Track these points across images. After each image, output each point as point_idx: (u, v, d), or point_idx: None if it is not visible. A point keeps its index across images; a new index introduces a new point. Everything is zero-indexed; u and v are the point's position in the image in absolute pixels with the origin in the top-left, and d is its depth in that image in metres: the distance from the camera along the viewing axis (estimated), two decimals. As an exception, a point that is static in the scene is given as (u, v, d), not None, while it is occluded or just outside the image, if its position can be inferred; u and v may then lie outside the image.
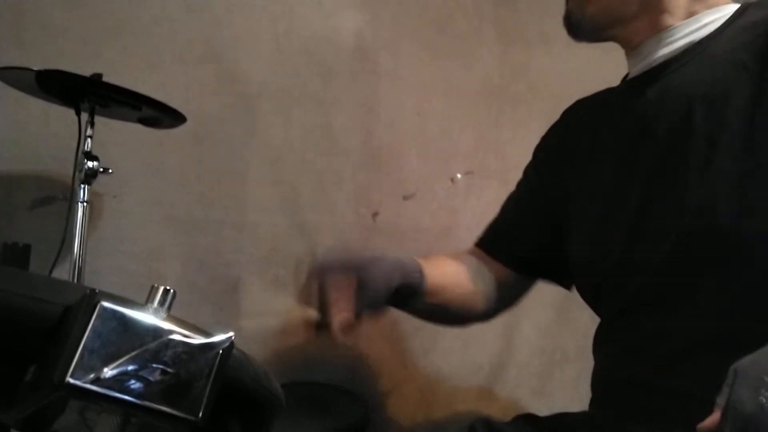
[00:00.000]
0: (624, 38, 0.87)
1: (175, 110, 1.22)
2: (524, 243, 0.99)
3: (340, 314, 0.75)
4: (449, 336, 1.68)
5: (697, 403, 0.53)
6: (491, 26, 1.84)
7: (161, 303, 0.41)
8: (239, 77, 1.61)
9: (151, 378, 0.38)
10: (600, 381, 0.87)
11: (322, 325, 0.77)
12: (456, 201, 1.78)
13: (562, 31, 0.89)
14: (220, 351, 0.41)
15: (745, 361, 0.51)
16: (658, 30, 0.82)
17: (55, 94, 1.21)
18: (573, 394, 1.68)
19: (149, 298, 0.41)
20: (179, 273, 1.54)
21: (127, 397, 0.38)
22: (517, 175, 1.08)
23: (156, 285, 0.42)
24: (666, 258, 0.73)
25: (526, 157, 1.05)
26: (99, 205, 1.47)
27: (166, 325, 0.40)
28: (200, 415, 0.40)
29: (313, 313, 0.78)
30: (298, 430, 1.30)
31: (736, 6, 0.80)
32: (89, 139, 1.23)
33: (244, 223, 1.60)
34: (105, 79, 1.17)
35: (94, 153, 1.23)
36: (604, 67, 1.04)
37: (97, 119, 1.24)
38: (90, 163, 1.21)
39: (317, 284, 0.79)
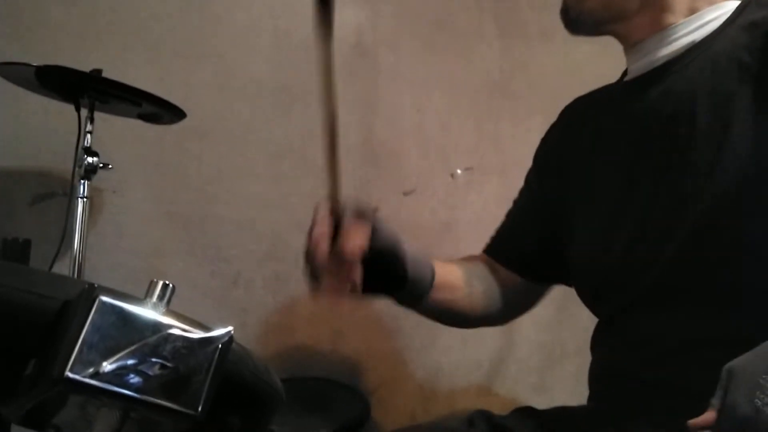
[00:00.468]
0: (624, 34, 0.86)
1: (175, 106, 1.22)
2: (529, 249, 0.99)
3: (356, 237, 0.72)
4: (449, 333, 1.68)
5: (694, 399, 0.53)
6: (491, 22, 1.84)
7: (160, 297, 0.41)
8: (239, 73, 1.61)
9: (150, 372, 0.38)
10: (598, 378, 0.87)
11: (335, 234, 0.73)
12: (456, 197, 1.78)
13: (562, 27, 0.89)
14: (220, 345, 0.41)
15: (739, 362, 0.51)
16: (659, 28, 0.82)
17: (54, 89, 1.21)
18: (573, 390, 1.68)
19: (148, 293, 0.41)
20: (179, 269, 1.55)
21: (126, 392, 0.38)
22: (516, 171, 1.07)
23: (155, 279, 0.42)
24: (670, 259, 0.73)
25: (526, 152, 1.05)
26: (99, 201, 1.47)
27: (165, 320, 0.40)
28: (200, 409, 0.40)
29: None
30: (298, 425, 1.31)
31: (736, 3, 0.80)
32: (89, 135, 1.23)
33: (244, 219, 1.60)
34: (105, 74, 1.17)
35: (94, 149, 1.23)
36: (603, 62, 1.04)
37: (97, 115, 1.24)
38: (90, 159, 1.21)
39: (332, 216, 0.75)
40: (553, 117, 1.02)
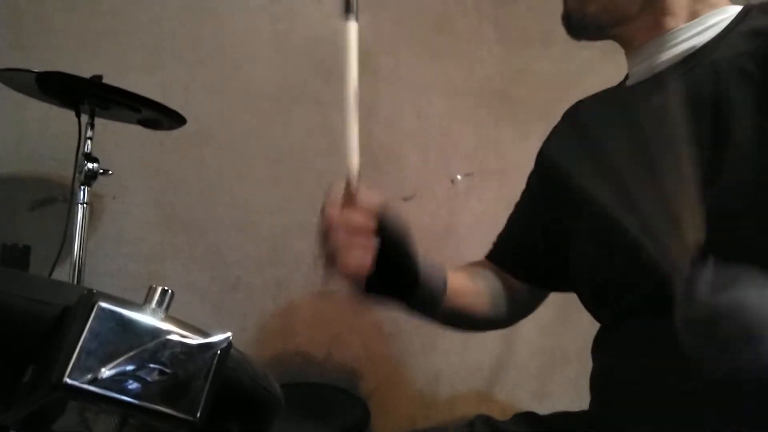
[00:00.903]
0: (625, 38, 0.86)
1: (175, 112, 1.22)
2: (531, 254, 0.99)
3: (371, 197, 0.75)
4: (449, 337, 1.68)
5: (696, 405, 0.53)
6: (491, 27, 1.84)
7: (159, 303, 0.41)
8: (239, 78, 1.61)
9: (148, 378, 0.38)
10: (599, 383, 0.87)
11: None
12: (456, 202, 1.78)
13: (562, 32, 0.89)
14: (218, 351, 0.41)
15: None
16: (660, 32, 0.82)
17: (55, 95, 1.22)
18: (573, 395, 1.67)
19: (147, 299, 0.41)
20: (179, 273, 1.54)
21: (124, 398, 0.38)
22: (517, 175, 1.07)
23: (154, 285, 0.42)
24: None
25: (526, 157, 1.05)
26: (99, 207, 1.47)
27: (164, 326, 0.40)
28: (198, 415, 0.40)
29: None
30: (298, 431, 1.30)
31: (738, 8, 0.80)
32: (89, 141, 1.23)
33: (244, 223, 1.60)
34: (105, 80, 1.17)
35: (94, 154, 1.23)
36: (603, 67, 1.04)
37: (97, 121, 1.24)
38: (90, 165, 1.21)
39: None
40: (553, 122, 1.02)
